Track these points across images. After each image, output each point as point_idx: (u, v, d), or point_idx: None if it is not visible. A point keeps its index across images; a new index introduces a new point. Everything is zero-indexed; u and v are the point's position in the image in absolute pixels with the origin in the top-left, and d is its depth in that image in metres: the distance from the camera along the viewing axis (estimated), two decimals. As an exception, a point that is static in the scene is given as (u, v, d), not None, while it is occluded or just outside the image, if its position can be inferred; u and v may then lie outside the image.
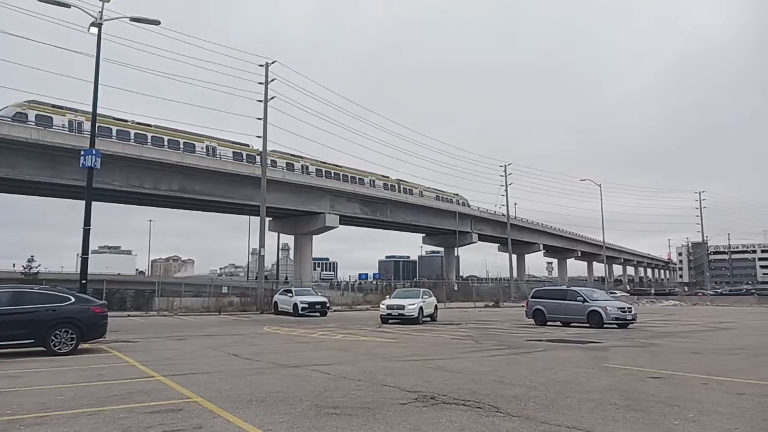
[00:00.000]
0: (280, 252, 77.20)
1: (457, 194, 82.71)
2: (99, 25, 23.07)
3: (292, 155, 57.47)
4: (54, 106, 41.43)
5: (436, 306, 27.86)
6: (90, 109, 23.46)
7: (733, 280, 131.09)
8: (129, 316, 32.42)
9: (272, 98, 41.07)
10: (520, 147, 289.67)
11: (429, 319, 26.26)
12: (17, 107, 39.86)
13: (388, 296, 28.57)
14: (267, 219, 49.70)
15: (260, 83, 40.96)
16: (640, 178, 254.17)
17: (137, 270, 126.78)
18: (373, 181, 67.74)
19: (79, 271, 23.08)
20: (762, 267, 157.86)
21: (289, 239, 72.32)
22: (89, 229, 22.15)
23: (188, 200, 50.35)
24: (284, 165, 55.39)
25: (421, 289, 28.80)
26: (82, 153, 22.47)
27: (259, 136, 40.83)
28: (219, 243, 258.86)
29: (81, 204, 23.30)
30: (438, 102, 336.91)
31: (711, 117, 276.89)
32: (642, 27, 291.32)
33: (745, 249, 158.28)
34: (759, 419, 6.29)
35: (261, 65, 41.04)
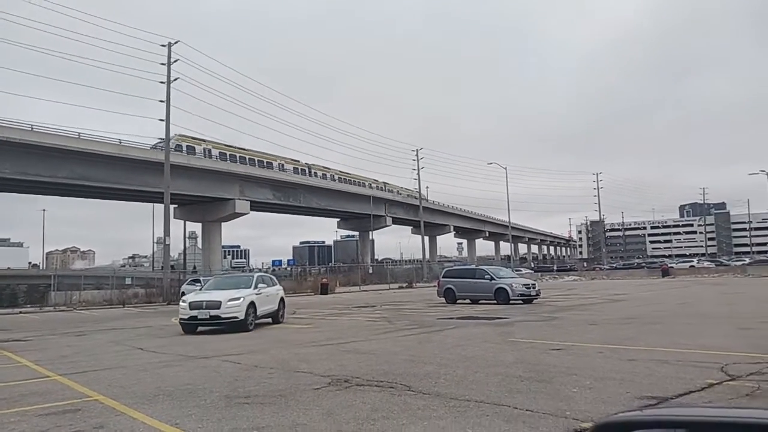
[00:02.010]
0: (188, 240, 74.41)
1: (425, 194, 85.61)
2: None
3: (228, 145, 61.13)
4: (194, 138, 53.77)
5: (282, 300, 18.76)
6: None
7: (627, 255, 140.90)
8: (21, 312, 30.23)
9: (175, 79, 39.36)
10: (442, 131, 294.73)
11: (270, 320, 17.61)
12: (176, 140, 50.49)
13: (199, 286, 18.69)
14: (172, 206, 47.74)
15: (162, 64, 39.10)
16: (554, 161, 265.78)
17: (30, 263, 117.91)
18: (329, 175, 72.18)
19: (-39, 266, 21.16)
20: (651, 242, 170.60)
21: (196, 227, 70.04)
22: (-29, 220, 20.37)
23: (87, 188, 47.34)
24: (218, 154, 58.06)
25: (256, 275, 19.55)
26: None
27: (162, 120, 39.03)
28: (122, 233, 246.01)
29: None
30: (364, 88, 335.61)
31: (621, 101, 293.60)
32: (563, 15, 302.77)
33: (637, 226, 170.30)
34: (647, 383, 6.81)
35: (163, 45, 39.15)
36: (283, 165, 63.81)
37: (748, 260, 73.89)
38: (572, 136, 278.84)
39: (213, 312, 15.23)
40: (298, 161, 67.40)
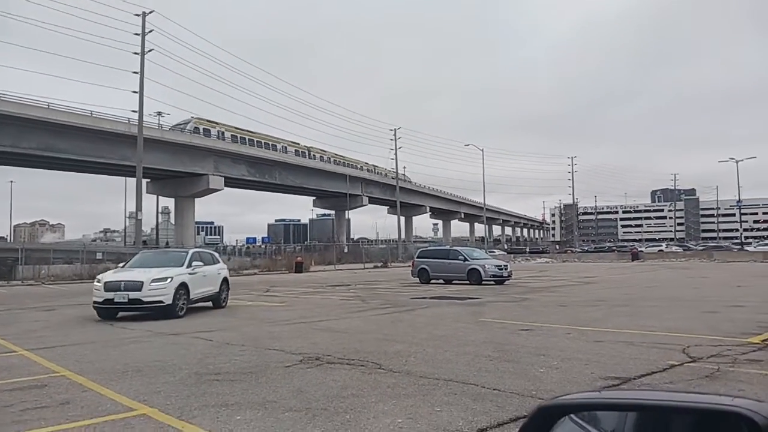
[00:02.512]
0: (161, 216, 73.53)
1: (404, 174, 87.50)
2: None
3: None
4: (209, 120, 58.68)
5: (225, 281, 16.14)
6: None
7: (598, 239, 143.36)
8: (-12, 286, 29.60)
9: (150, 51, 38.46)
10: (421, 111, 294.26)
11: (210, 304, 15.28)
12: (194, 123, 56.54)
13: (122, 263, 16.62)
14: (145, 180, 47.06)
15: (137, 34, 38.13)
16: (531, 144, 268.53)
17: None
18: (325, 158, 74.59)
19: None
20: (623, 226, 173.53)
21: (170, 202, 69.22)
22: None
23: (57, 160, 46.26)
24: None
25: (191, 251, 16.06)
26: None
27: (135, 92, 38.19)
28: (93, 206, 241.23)
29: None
30: (344, 66, 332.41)
31: (600, 87, 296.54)
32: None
33: (609, 210, 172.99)
34: (611, 363, 6.97)
35: (138, 14, 38.13)
36: (286, 147, 67.14)
37: (712, 244, 76.51)
38: (550, 119, 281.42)
39: (133, 294, 12.67)
40: (298, 143, 70.35)
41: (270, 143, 65.14)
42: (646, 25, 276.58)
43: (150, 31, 38.39)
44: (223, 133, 59.25)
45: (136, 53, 38.03)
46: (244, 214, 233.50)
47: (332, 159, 75.48)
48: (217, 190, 58.18)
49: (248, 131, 62.89)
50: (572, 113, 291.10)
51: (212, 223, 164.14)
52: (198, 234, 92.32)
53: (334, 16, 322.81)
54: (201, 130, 56.63)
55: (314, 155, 71.99)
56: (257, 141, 63.14)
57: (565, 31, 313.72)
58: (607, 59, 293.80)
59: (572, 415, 1.36)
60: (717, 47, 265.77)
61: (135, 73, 37.99)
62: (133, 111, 39.25)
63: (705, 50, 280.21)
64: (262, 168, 62.94)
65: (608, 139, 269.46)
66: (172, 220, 75.32)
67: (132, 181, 44.75)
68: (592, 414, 1.36)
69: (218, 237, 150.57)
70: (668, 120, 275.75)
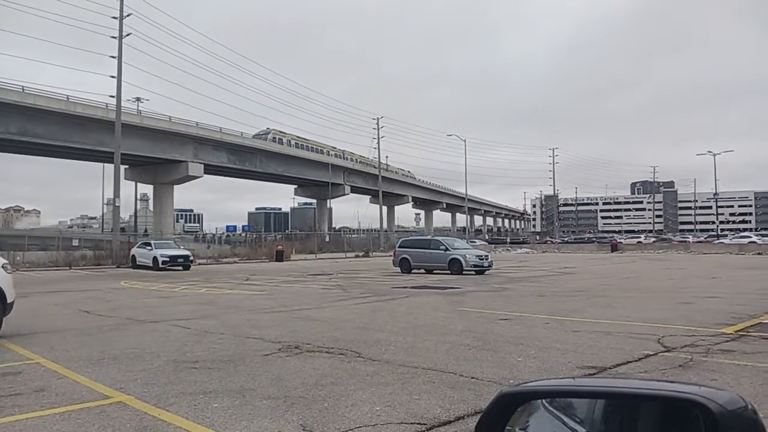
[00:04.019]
0: (139, 202, 72.72)
1: (409, 171, 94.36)
2: None
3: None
4: (282, 132, 69.07)
5: None
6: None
7: (579, 230, 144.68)
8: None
9: (128, 35, 37.73)
10: (410, 102, 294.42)
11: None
12: (273, 134, 67.34)
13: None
14: (123, 166, 46.43)
15: (115, 18, 37.37)
16: (515, 135, 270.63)
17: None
18: (356, 159, 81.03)
19: None
20: (603, 217, 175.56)
21: (149, 189, 68.45)
22: None
23: (31, 145, 45.37)
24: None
25: None
26: None
27: (113, 76, 37.49)
28: (71, 192, 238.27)
29: None
30: (332, 54, 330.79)
31: (586, 80, 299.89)
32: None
33: (590, 201, 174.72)
34: (588, 353, 7.06)
35: (114, -3, 37.34)
36: (329, 152, 75.74)
37: (662, 236, 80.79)
38: (538, 110, 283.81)
39: None
40: (335, 147, 79.11)
41: (318, 148, 74.56)
42: (636, 19, 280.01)
43: (128, 15, 37.67)
44: (290, 141, 69.21)
45: (114, 37, 37.33)
46: (224, 201, 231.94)
47: (358, 160, 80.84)
48: (196, 177, 57.57)
49: (305, 139, 72.90)
50: (559, 105, 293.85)
51: (191, 210, 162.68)
52: (177, 221, 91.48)
53: (329, 3, 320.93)
54: (277, 139, 66.79)
55: (347, 158, 79.50)
56: (311, 147, 72.73)
57: (559, 24, 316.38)
58: (593, 54, 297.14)
59: (545, 403, 1.37)
60: (706, 42, 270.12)
61: (113, 57, 37.30)
62: (111, 96, 38.65)
63: (693, 45, 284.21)
64: (242, 155, 62.39)
65: (591, 130, 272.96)
66: (151, 207, 74.52)
67: (110, 168, 43.99)
68: (567, 401, 1.37)
69: (198, 225, 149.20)
70: (651, 113, 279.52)
